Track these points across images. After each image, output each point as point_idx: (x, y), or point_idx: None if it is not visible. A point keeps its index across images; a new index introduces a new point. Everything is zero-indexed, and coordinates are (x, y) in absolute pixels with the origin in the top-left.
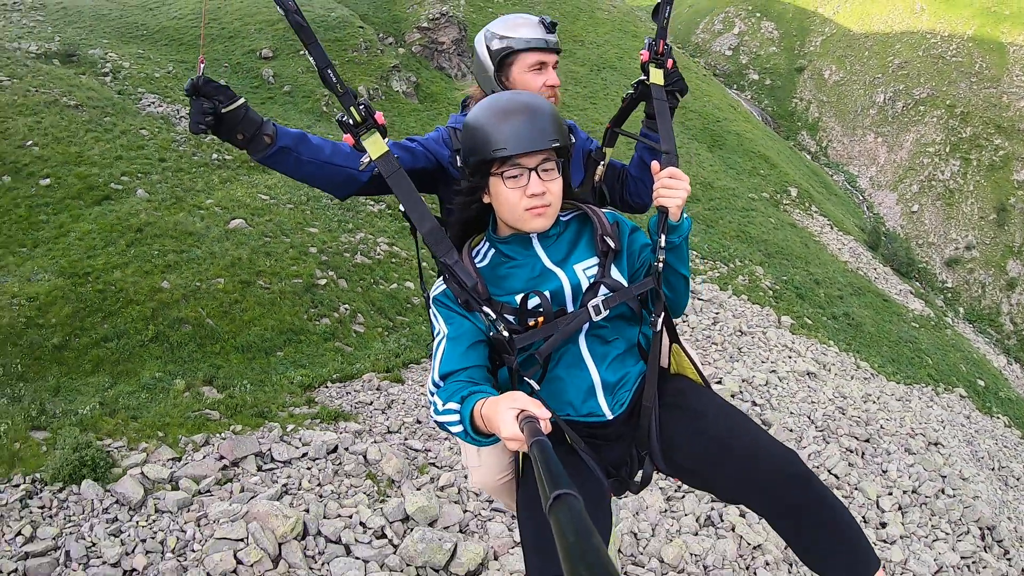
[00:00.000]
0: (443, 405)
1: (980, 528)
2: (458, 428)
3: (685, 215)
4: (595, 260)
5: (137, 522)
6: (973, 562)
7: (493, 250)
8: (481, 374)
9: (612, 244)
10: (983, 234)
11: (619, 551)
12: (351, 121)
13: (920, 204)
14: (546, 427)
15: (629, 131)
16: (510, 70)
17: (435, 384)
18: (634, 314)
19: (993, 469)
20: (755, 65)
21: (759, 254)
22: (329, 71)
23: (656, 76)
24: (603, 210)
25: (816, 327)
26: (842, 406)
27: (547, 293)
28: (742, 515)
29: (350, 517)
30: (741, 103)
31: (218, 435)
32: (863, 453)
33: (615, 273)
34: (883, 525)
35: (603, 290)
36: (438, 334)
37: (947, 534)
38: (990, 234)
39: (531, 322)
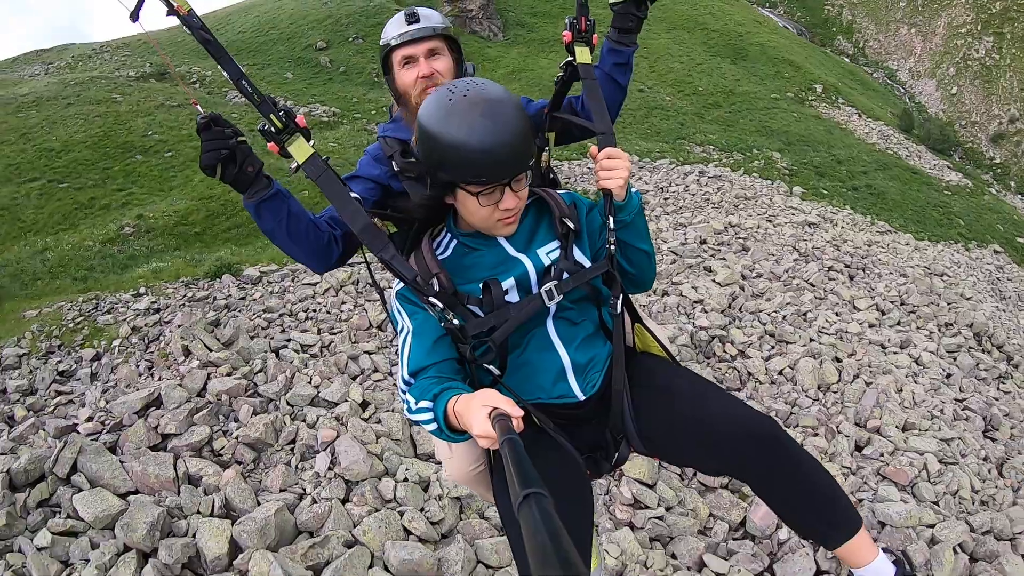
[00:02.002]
0: (416, 404)
1: (975, 333)
2: (432, 426)
3: (633, 190)
4: (557, 244)
5: (256, 287)
6: (958, 356)
7: (455, 241)
8: (451, 367)
9: (572, 225)
10: None
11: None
12: (273, 129)
13: (959, 85)
14: (518, 425)
15: (571, 116)
16: (392, 71)
17: (406, 382)
18: (595, 295)
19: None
20: None
21: (779, 143)
22: (243, 81)
23: (583, 55)
24: (559, 191)
25: (832, 196)
26: (838, 244)
27: (512, 280)
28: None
29: None
30: (771, 19)
31: None
32: (851, 276)
33: (578, 254)
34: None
35: (564, 275)
36: (402, 330)
37: (931, 332)
38: None
39: None
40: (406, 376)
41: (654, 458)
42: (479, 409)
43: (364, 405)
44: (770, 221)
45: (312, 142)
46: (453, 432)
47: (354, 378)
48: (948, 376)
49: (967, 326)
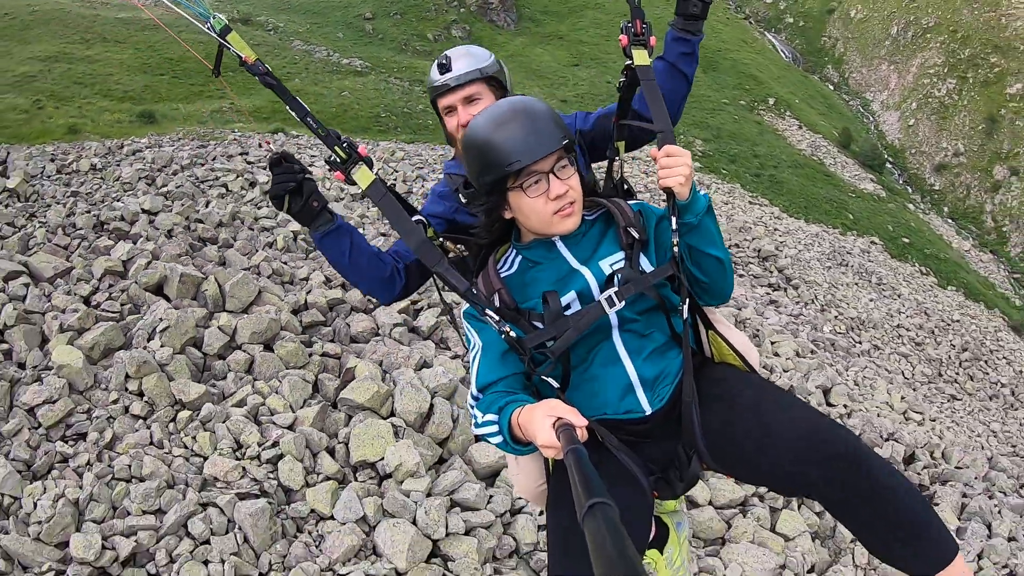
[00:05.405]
0: (482, 417)
1: (761, 257)
2: (497, 439)
3: (700, 192)
4: (621, 254)
5: (299, 137)
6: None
7: (519, 257)
8: (519, 381)
9: (636, 235)
10: (971, 142)
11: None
12: (337, 159)
13: (916, 119)
14: (582, 435)
15: (634, 121)
16: (441, 117)
17: (474, 397)
18: (663, 304)
19: (871, 282)
20: (791, 10)
21: (708, 134)
22: (309, 119)
23: (640, 57)
24: (629, 201)
25: (729, 176)
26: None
27: (574, 293)
28: None
29: None
30: (768, 41)
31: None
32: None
33: (644, 264)
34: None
35: (626, 282)
36: (473, 347)
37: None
38: (978, 142)
39: None
40: (474, 391)
41: (727, 476)
42: (543, 419)
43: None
44: (646, 173)
45: (375, 169)
46: (518, 444)
47: None
48: None
49: (754, 251)
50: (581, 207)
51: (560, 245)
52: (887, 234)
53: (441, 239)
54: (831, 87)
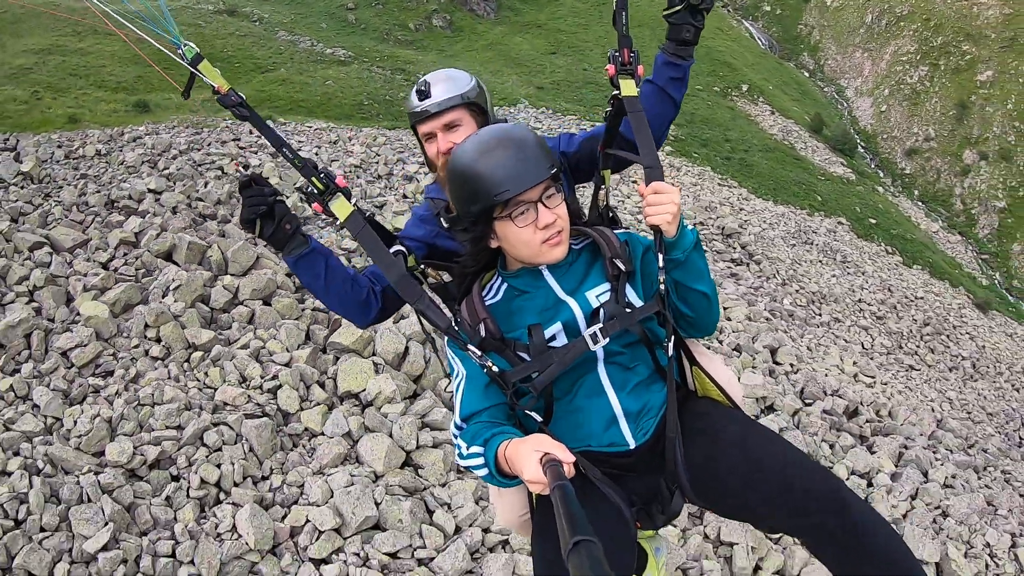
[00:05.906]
0: (467, 448)
1: (725, 234)
2: (483, 471)
3: (688, 227)
4: (608, 285)
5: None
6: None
7: (505, 285)
8: (503, 412)
9: (622, 266)
10: (942, 127)
11: None
12: (315, 191)
13: (888, 105)
14: (569, 471)
15: (622, 152)
16: (420, 142)
17: (458, 427)
18: (648, 338)
19: (835, 260)
20: None
21: (680, 119)
22: (285, 149)
23: (628, 88)
24: (616, 231)
25: (700, 159)
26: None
27: (559, 324)
28: None
29: None
30: (745, 29)
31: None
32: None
33: (631, 296)
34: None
35: (611, 317)
36: (457, 376)
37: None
38: (948, 127)
39: None
40: (458, 421)
41: (709, 511)
42: (530, 454)
43: None
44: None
45: (354, 200)
46: (504, 477)
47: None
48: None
49: (718, 228)
50: (568, 235)
51: (547, 274)
52: (854, 215)
53: (423, 266)
54: (806, 74)
